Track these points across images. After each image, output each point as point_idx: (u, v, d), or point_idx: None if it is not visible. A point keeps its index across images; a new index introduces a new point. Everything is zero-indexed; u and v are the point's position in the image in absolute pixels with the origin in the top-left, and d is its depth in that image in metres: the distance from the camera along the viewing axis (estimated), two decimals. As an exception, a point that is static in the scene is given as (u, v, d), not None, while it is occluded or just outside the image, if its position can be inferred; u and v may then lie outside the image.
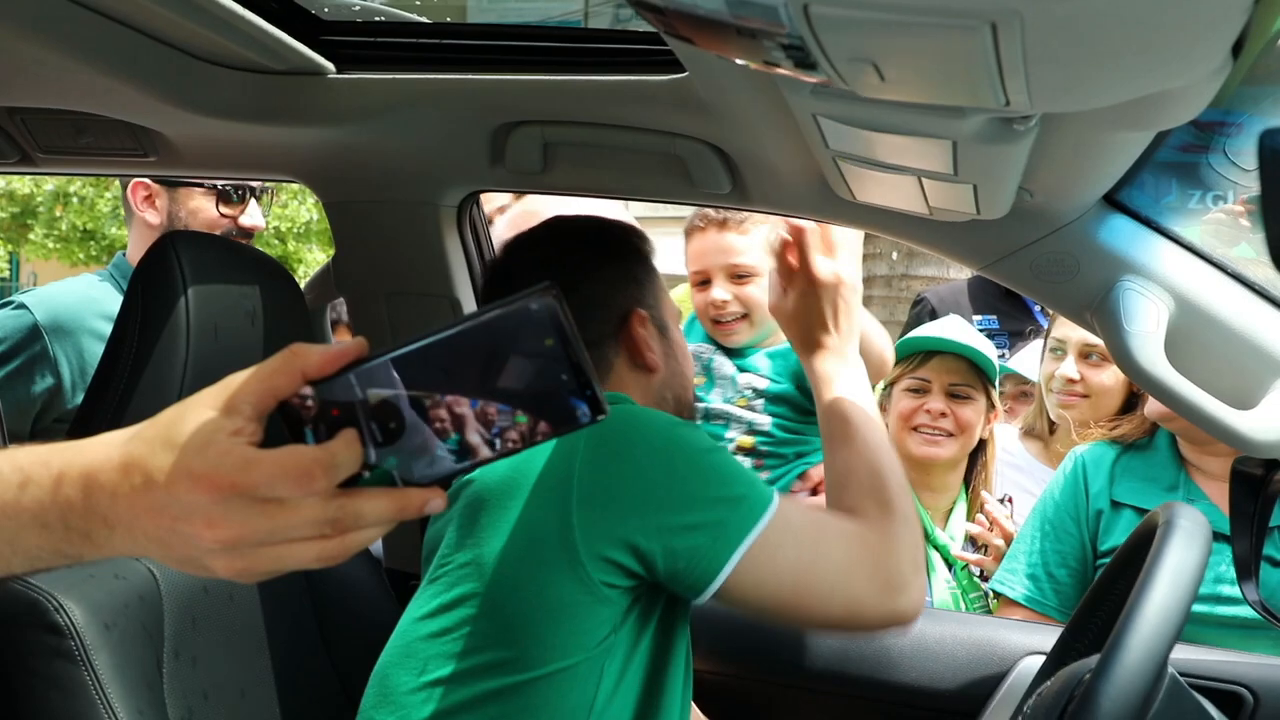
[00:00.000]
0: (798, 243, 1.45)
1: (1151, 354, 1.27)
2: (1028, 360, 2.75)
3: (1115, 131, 1.01)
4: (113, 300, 2.20)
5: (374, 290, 1.77)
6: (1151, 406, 1.95)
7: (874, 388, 2.03)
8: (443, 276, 1.73)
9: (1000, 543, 2.12)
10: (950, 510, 2.23)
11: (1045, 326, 2.88)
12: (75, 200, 12.12)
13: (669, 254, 1.91)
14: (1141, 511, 1.90)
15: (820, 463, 1.72)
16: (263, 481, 0.70)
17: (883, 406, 2.28)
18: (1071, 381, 2.31)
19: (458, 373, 0.72)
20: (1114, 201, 1.34)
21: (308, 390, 0.72)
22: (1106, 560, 1.82)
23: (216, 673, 1.31)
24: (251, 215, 2.27)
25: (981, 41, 0.64)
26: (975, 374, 2.20)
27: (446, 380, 0.72)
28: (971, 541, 2.18)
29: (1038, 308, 2.98)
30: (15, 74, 1.41)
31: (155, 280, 1.33)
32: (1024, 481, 2.39)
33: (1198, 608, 1.79)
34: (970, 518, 2.23)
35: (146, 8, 1.23)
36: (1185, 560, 1.04)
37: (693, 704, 1.37)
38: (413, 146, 1.57)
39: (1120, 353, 1.29)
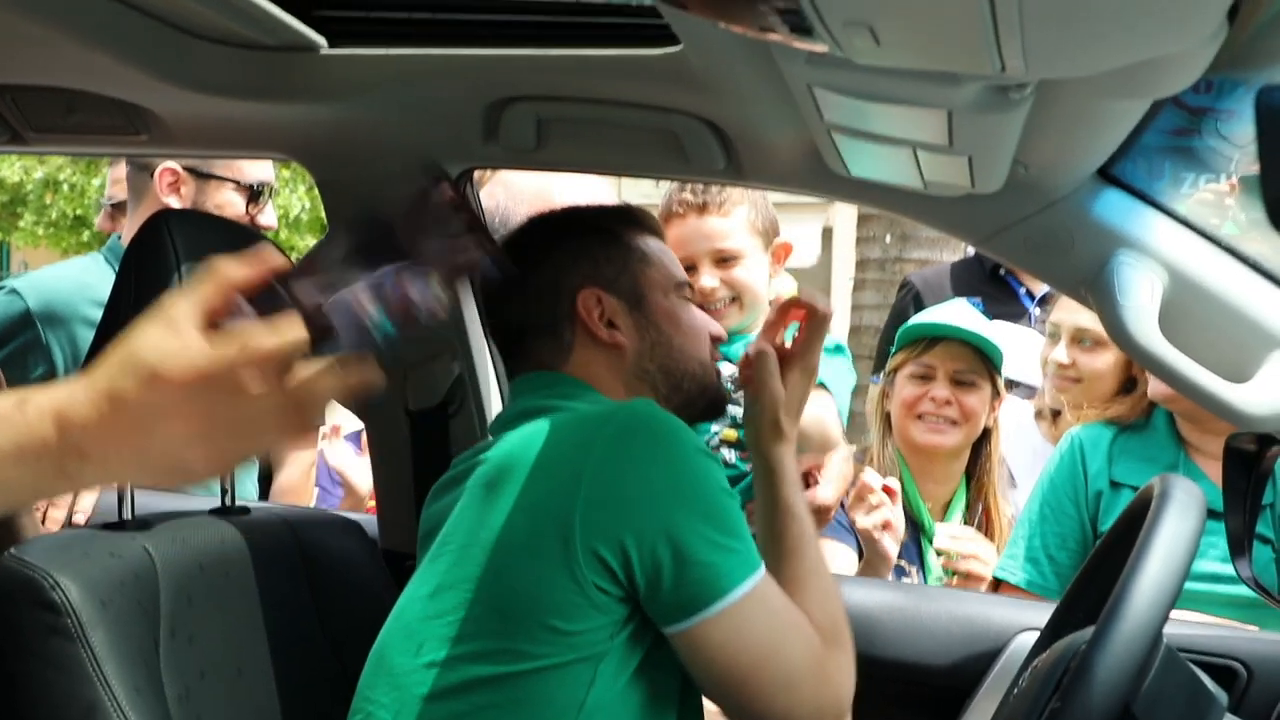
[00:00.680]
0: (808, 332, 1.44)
1: (1146, 328, 1.27)
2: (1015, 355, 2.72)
3: (1110, 100, 1.01)
4: (107, 285, 2.18)
5: (368, 269, 1.77)
6: (1154, 388, 1.95)
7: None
8: (436, 255, 1.72)
9: (980, 567, 2.09)
10: (950, 501, 2.20)
11: (1030, 311, 2.88)
12: (65, 187, 12.07)
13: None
14: (1141, 492, 1.91)
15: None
16: (225, 370, 0.78)
17: (884, 393, 2.25)
18: (1064, 366, 2.31)
19: (369, 259, 0.83)
20: (1108, 176, 1.34)
21: (244, 304, 0.81)
22: (1106, 540, 1.83)
23: (213, 651, 1.31)
24: (267, 215, 2.29)
25: (978, 2, 0.64)
26: (981, 361, 2.15)
27: (363, 266, 0.83)
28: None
29: (1022, 291, 2.98)
30: (4, 50, 1.40)
31: (148, 259, 1.33)
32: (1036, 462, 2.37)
33: (1200, 586, 1.79)
34: (968, 510, 2.20)
35: (137, -19, 1.22)
36: (1179, 531, 1.04)
37: None
38: (406, 123, 1.56)
39: (1115, 327, 1.29)
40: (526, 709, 1.14)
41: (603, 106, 1.46)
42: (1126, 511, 1.27)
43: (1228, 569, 1.78)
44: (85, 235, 12.26)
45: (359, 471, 2.51)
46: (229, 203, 2.23)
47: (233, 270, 0.81)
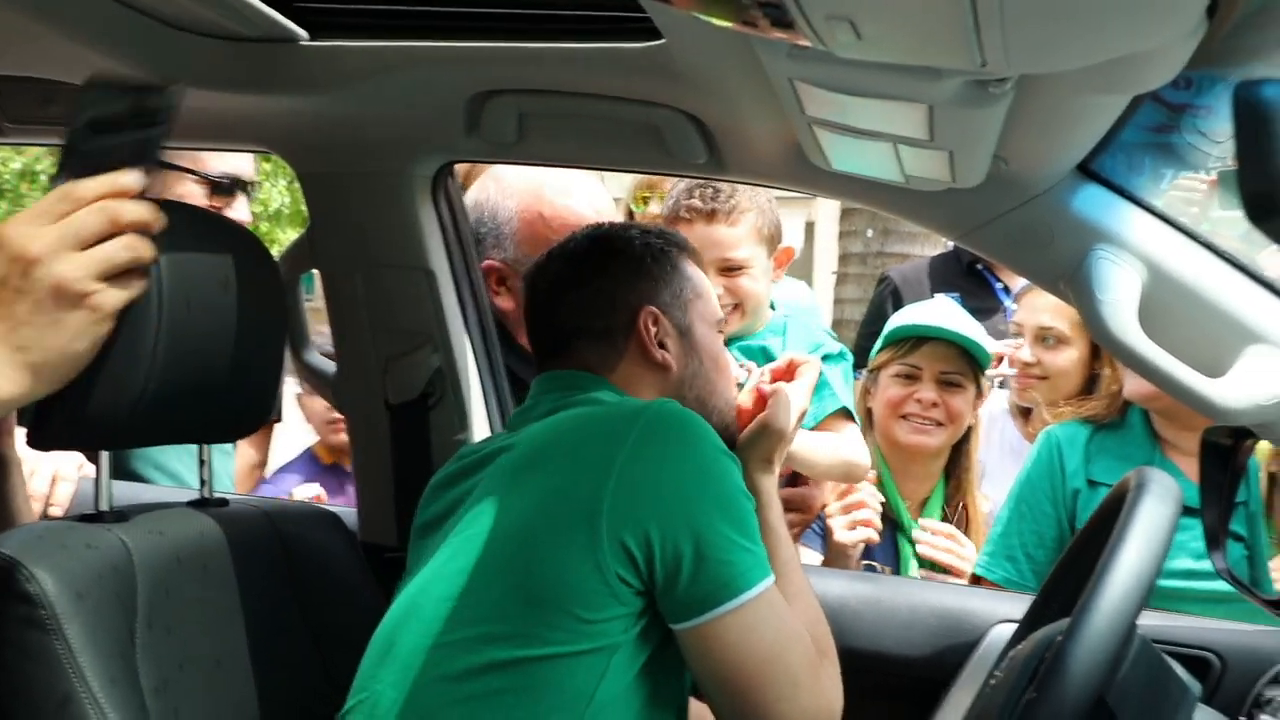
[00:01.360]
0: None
1: (1124, 323, 1.28)
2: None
3: (1090, 95, 1.01)
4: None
5: (348, 261, 1.76)
6: (1131, 388, 1.96)
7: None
8: (417, 247, 1.72)
9: (959, 562, 2.11)
10: (928, 499, 2.20)
11: (1006, 306, 2.89)
12: (43, 178, 11.97)
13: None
14: (1118, 491, 1.92)
15: None
16: (48, 202, 1.02)
17: (867, 390, 2.25)
18: (1029, 365, 2.32)
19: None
20: (1088, 171, 1.35)
21: None
22: (1085, 539, 1.84)
23: (191, 643, 1.30)
24: (238, 209, 2.22)
25: (959, -5, 0.64)
26: (967, 362, 2.15)
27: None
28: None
29: (999, 286, 2.99)
30: (-19, 40, 1.39)
31: (126, 249, 1.31)
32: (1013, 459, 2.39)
33: (1177, 583, 1.81)
34: (947, 506, 2.21)
35: (115, -29, 1.22)
36: (1154, 524, 1.05)
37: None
38: (387, 116, 1.55)
39: (1094, 322, 1.30)
40: (538, 696, 1.15)
41: (584, 100, 1.46)
42: (1103, 504, 1.28)
43: (1203, 565, 1.80)
44: (63, 227, 12.16)
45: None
46: (189, 195, 2.18)
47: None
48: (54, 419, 1.22)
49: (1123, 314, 1.28)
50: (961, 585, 2.04)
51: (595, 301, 1.41)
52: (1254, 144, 0.56)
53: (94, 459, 1.32)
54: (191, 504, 1.44)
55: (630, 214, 2.41)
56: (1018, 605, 1.60)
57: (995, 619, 1.67)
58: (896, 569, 2.12)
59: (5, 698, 1.13)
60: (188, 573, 1.32)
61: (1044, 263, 1.38)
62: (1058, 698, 0.95)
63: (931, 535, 2.10)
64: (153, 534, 1.30)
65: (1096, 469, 1.98)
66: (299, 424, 2.82)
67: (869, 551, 2.11)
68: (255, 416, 1.48)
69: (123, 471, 2.01)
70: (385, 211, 1.70)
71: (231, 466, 2.41)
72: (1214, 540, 1.41)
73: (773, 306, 2.12)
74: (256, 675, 1.39)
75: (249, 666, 1.39)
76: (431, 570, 1.26)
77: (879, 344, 2.26)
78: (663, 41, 1.25)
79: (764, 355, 2.03)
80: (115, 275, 1.06)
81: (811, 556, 2.07)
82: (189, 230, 1.38)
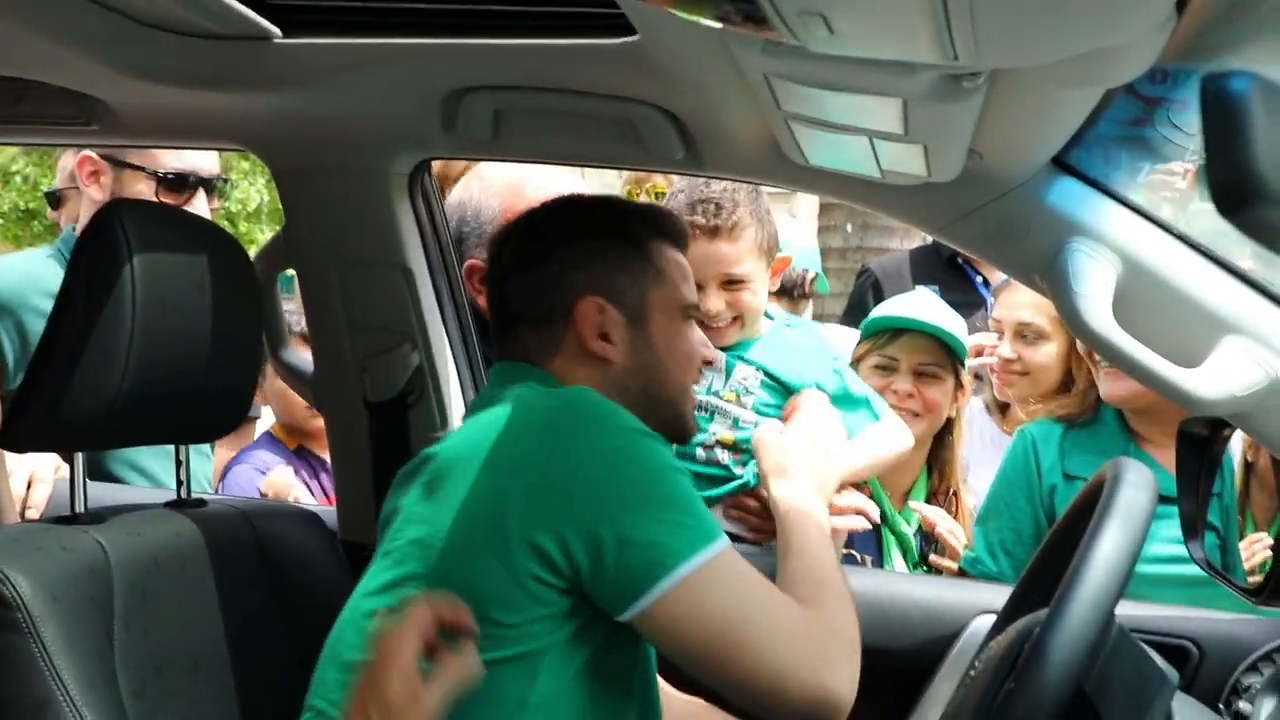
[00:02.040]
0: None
1: (1100, 315, 1.28)
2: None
3: (1063, 89, 1.01)
4: (58, 277, 2.15)
5: (325, 259, 1.75)
6: (1107, 390, 1.97)
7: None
8: (394, 245, 1.71)
9: (956, 543, 2.12)
10: (910, 490, 2.21)
11: (987, 299, 2.91)
12: (18, 179, 11.88)
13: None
14: (1095, 484, 1.93)
15: None
16: None
17: None
18: (1009, 361, 2.34)
19: None
20: (1063, 164, 1.35)
21: None
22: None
23: (169, 645, 1.30)
24: (196, 207, 2.19)
25: (929, -11, 0.64)
26: (944, 353, 2.17)
27: None
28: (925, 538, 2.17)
29: (979, 279, 3.01)
30: (-50, 38, 1.37)
31: (99, 250, 1.31)
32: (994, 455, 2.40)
33: (1155, 569, 1.82)
34: (934, 498, 2.21)
35: (85, -32, 1.20)
36: (1131, 514, 1.06)
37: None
38: (362, 113, 1.55)
39: (1070, 314, 1.31)
40: (464, 706, 1.10)
41: (560, 96, 1.45)
42: (1081, 495, 1.28)
43: (1179, 549, 1.81)
44: (38, 227, 12.08)
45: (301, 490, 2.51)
46: (143, 193, 2.16)
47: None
48: (28, 420, 1.21)
49: (1098, 306, 1.28)
50: (942, 577, 2.05)
51: (541, 285, 1.36)
52: (1222, 136, 0.56)
53: (70, 460, 1.32)
54: (169, 505, 1.43)
55: None
56: (998, 596, 1.61)
57: (976, 610, 1.67)
58: (879, 560, 2.13)
59: (-19, 701, 1.13)
60: (165, 574, 1.32)
61: (1020, 256, 1.39)
62: (1037, 688, 0.95)
63: (930, 511, 2.12)
64: (130, 535, 1.29)
65: (1072, 463, 2.00)
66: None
67: (850, 541, 2.11)
68: (232, 417, 1.47)
69: (99, 473, 2.00)
70: (362, 209, 1.69)
71: (210, 469, 2.40)
72: (1191, 530, 1.42)
73: (768, 316, 2.13)
74: (235, 676, 1.39)
75: (228, 667, 1.38)
76: (366, 582, 1.26)
77: (859, 336, 2.27)
78: (637, 37, 1.25)
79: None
80: None
81: None
82: (164, 231, 1.37)
